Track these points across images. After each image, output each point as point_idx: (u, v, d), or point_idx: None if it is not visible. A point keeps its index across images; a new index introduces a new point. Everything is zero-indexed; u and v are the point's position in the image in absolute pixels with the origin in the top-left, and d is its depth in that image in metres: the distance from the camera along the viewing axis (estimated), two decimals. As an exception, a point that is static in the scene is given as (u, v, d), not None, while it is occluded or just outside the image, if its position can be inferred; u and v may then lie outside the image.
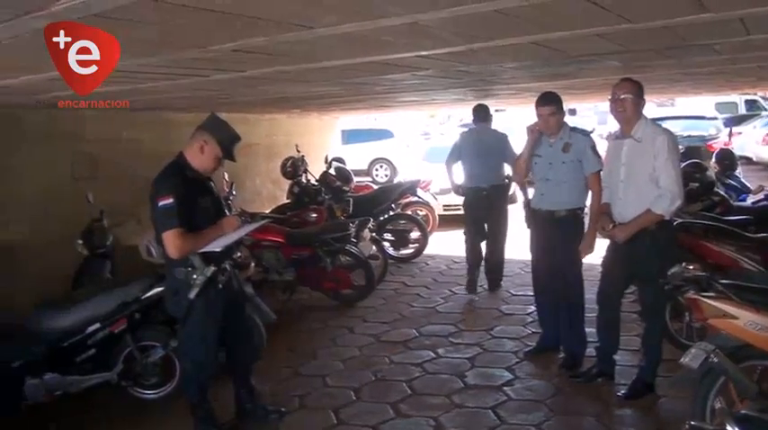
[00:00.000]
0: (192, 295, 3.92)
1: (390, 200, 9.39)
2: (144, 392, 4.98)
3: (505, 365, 5.32)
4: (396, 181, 13.88)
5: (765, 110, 21.38)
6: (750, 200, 7.32)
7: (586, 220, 5.10)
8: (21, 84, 3.97)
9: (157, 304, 4.75)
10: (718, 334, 3.40)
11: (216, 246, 3.98)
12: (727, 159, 8.30)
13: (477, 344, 5.84)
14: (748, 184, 8.05)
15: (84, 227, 6.34)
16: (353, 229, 7.16)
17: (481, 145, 7.45)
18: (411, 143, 19.56)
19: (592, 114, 25.08)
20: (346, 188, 9.50)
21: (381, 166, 18.77)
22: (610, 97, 4.43)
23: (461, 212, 10.53)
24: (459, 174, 7.73)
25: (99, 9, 2.04)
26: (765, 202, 6.91)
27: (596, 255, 5.03)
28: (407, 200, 10.05)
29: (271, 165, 10.35)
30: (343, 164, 10.40)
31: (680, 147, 4.83)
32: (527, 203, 5.43)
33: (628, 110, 4.33)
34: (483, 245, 7.67)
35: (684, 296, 3.88)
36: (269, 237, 7.02)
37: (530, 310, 6.48)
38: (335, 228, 7.36)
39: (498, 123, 8.17)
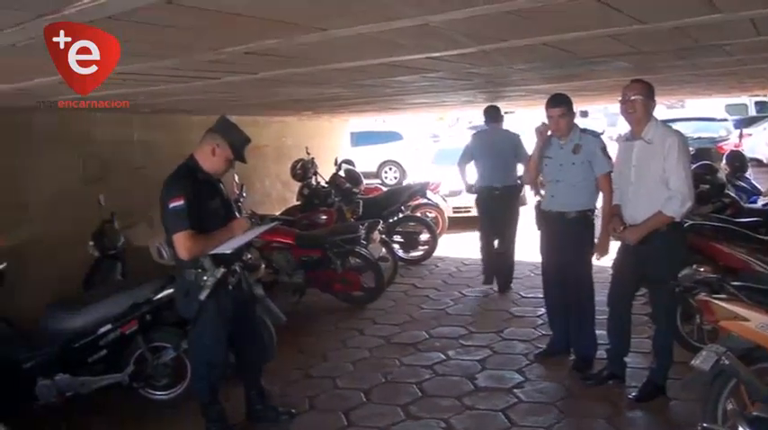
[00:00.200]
0: (202, 296, 3.95)
1: (400, 202, 9.38)
2: (155, 393, 5.00)
3: (516, 367, 5.32)
4: (405, 183, 13.87)
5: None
6: (761, 202, 7.28)
7: (597, 222, 5.09)
8: (35, 86, 3.98)
9: (168, 305, 4.77)
10: (730, 336, 3.39)
11: (226, 248, 3.99)
12: (738, 161, 8.26)
13: (488, 346, 5.83)
14: (759, 186, 8.02)
15: (96, 228, 6.36)
16: (363, 231, 7.18)
17: (493, 145, 7.56)
18: (420, 145, 19.56)
19: (602, 116, 25.06)
20: (356, 190, 9.50)
21: (390, 169, 18.79)
22: (620, 98, 4.42)
23: (471, 214, 10.69)
24: (472, 174, 7.83)
25: (113, 11, 2.05)
26: (776, 204, 6.89)
27: (607, 256, 5.02)
28: (417, 202, 10.04)
29: (281, 167, 10.37)
30: (353, 166, 10.42)
31: (690, 148, 4.81)
32: (537, 205, 5.42)
33: (638, 111, 4.32)
34: (496, 243, 7.76)
35: (695, 298, 3.87)
36: (279, 239, 7.04)
37: (540, 313, 6.46)
38: (345, 229, 7.37)
39: (507, 125, 8.16)
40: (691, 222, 5.33)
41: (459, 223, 11.11)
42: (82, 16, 2.09)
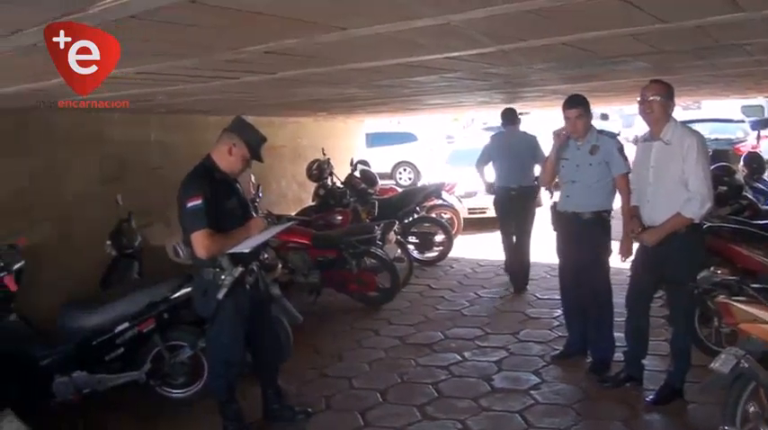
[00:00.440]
0: (220, 295, 3.96)
1: (415, 202, 9.37)
2: (171, 391, 5.03)
3: (532, 369, 5.30)
4: (420, 184, 13.86)
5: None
6: (779, 204, 7.22)
7: (614, 223, 5.06)
8: (54, 86, 4.00)
9: (186, 304, 4.79)
10: (749, 339, 3.36)
11: (244, 248, 4.01)
12: (756, 163, 8.20)
13: (504, 347, 5.82)
14: (776, 188, 7.94)
15: (113, 228, 6.41)
16: (379, 232, 7.18)
17: (510, 147, 7.67)
18: (434, 146, 19.53)
19: (617, 117, 24.89)
20: (371, 191, 9.52)
21: (405, 170, 18.78)
22: (639, 99, 4.40)
23: (486, 215, 10.69)
24: (490, 174, 7.94)
25: (136, 10, 2.06)
26: (794, 207, 6.82)
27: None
28: (432, 203, 10.03)
29: (296, 167, 10.40)
30: (368, 167, 10.43)
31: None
32: (553, 206, 5.41)
33: (656, 112, 4.29)
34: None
35: (715, 300, 3.84)
36: (295, 239, 7.06)
37: (556, 314, 6.44)
38: (361, 230, 7.38)
39: (523, 126, 8.22)
40: (708, 224, 5.29)
41: (474, 224, 11.10)
42: (106, 15, 2.09)
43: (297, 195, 11.01)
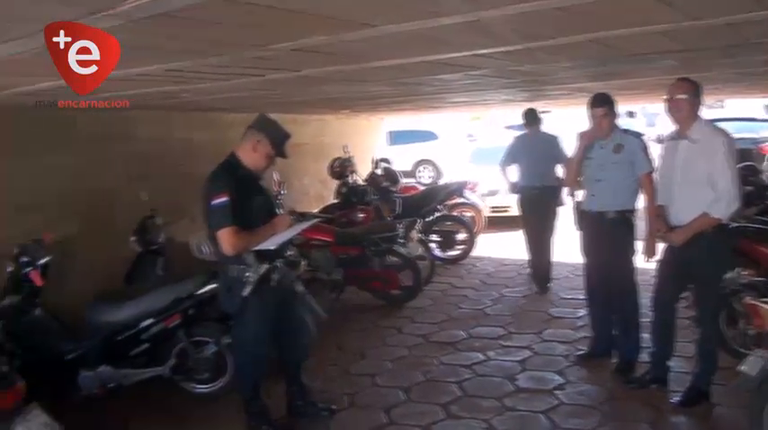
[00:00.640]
0: (245, 292, 3.97)
1: (437, 201, 9.35)
2: (196, 387, 5.06)
3: (557, 369, 5.26)
4: (442, 182, 13.81)
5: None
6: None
7: (638, 223, 5.01)
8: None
9: (211, 301, 4.82)
10: (777, 341, 3.32)
11: (270, 245, 4.01)
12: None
13: (528, 347, 5.78)
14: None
15: (138, 224, 6.46)
16: (401, 230, 7.17)
17: (533, 147, 7.70)
18: (455, 145, 19.46)
19: (640, 116, 24.66)
20: (394, 188, 9.50)
21: (426, 168, 18.71)
22: (666, 97, 4.35)
23: (509, 214, 10.65)
24: (514, 174, 7.97)
25: (168, 8, 2.07)
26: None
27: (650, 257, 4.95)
28: (454, 201, 9.99)
29: (319, 165, 10.40)
30: (390, 164, 10.42)
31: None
32: (577, 205, 5.37)
33: (684, 110, 4.24)
34: None
35: (742, 302, 3.79)
36: (318, 236, 7.05)
37: (580, 314, 6.39)
38: (384, 228, 7.38)
39: (543, 126, 8.22)
40: (735, 224, 5.23)
41: (496, 223, 11.05)
42: (137, 12, 2.11)
43: (319, 193, 11.02)
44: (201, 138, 8.13)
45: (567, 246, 7.47)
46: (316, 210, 9.21)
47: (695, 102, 4.26)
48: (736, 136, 13.81)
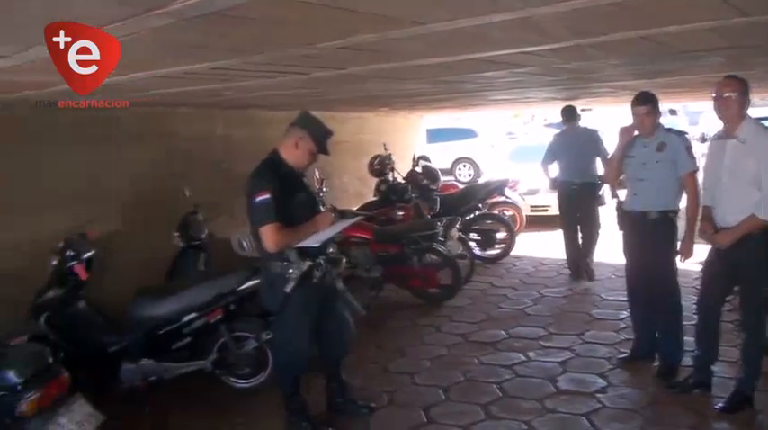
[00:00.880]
0: (288, 289, 3.98)
1: (477, 199, 9.30)
2: (236, 381, 5.11)
3: (598, 371, 5.18)
4: (482, 180, 13.74)
5: None
6: None
7: (680, 224, 4.92)
8: (127, 81, 4.09)
9: (252, 296, 4.86)
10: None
11: (312, 242, 4.02)
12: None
13: (569, 348, 5.71)
14: None
15: (180, 220, 6.54)
16: (441, 228, 7.15)
17: (573, 143, 7.82)
18: (495, 143, 19.33)
19: (682, 114, 24.20)
20: (434, 187, 9.47)
21: (464, 166, 18.63)
22: (713, 95, 4.25)
23: (549, 214, 10.57)
24: (555, 171, 8.12)
25: (219, 6, 2.08)
26: None
27: (692, 260, 4.88)
28: (494, 199, 9.92)
29: (358, 162, 10.42)
30: (430, 162, 10.38)
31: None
32: (619, 205, 5.29)
33: (732, 109, 4.14)
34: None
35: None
36: (357, 234, 7.05)
37: (622, 316, 6.30)
38: (424, 226, 7.35)
39: (585, 123, 8.23)
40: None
41: (537, 222, 10.95)
42: (188, 11, 2.12)
43: (358, 190, 11.03)
44: (241, 136, 8.20)
45: (610, 246, 7.36)
46: (355, 208, 9.21)
47: (743, 100, 4.16)
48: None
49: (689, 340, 4.91)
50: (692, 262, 4.81)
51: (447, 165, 17.83)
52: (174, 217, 6.56)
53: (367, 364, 5.51)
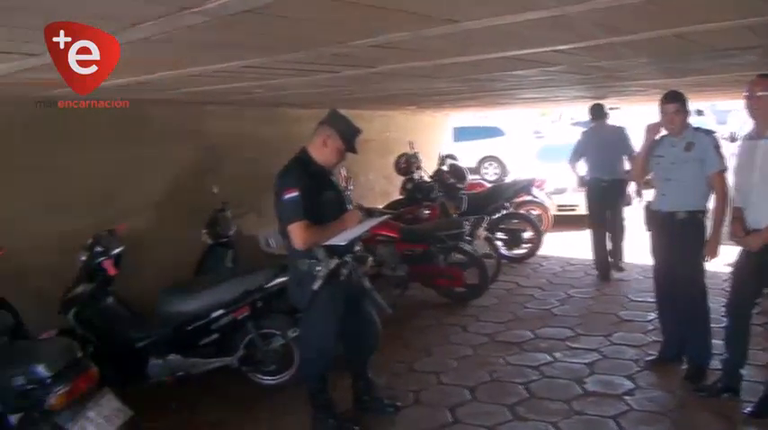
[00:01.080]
0: (315, 286, 3.99)
1: (504, 198, 9.25)
2: (263, 378, 5.14)
3: (626, 374, 5.13)
4: (509, 179, 13.67)
5: None
6: None
7: (708, 224, 4.85)
8: (158, 79, 4.12)
9: (279, 294, 4.88)
10: None
11: (340, 240, 4.02)
12: None
13: (596, 349, 5.65)
14: None
15: (209, 217, 6.58)
16: (468, 227, 7.12)
17: (601, 141, 7.84)
18: (522, 141, 19.21)
19: (709, 113, 23.86)
20: (460, 185, 9.43)
21: (491, 164, 18.53)
22: (745, 94, 4.18)
23: (576, 213, 10.48)
24: (583, 169, 8.13)
25: (253, 5, 2.09)
26: None
27: (719, 261, 4.85)
28: (521, 199, 9.86)
29: (384, 160, 10.43)
30: (456, 161, 10.35)
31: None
32: (647, 205, 5.24)
33: (764, 108, 4.08)
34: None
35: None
36: (383, 232, 7.04)
37: (650, 318, 6.23)
38: (450, 225, 7.33)
39: (613, 121, 8.25)
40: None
41: (563, 222, 10.87)
42: (221, 10, 2.13)
43: (384, 189, 11.04)
44: (268, 134, 8.25)
45: (637, 247, 7.29)
46: (381, 206, 9.22)
47: None
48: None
49: (718, 343, 4.83)
50: (721, 263, 4.72)
51: (473, 164, 17.76)
52: (202, 214, 6.60)
53: (393, 363, 5.50)
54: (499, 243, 8.78)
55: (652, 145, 4.97)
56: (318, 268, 4.00)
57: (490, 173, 18.18)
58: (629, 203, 8.27)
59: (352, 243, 4.24)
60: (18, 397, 3.41)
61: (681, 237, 4.84)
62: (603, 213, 7.96)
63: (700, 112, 20.02)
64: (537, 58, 3.85)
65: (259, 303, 4.95)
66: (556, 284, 7.96)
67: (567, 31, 2.90)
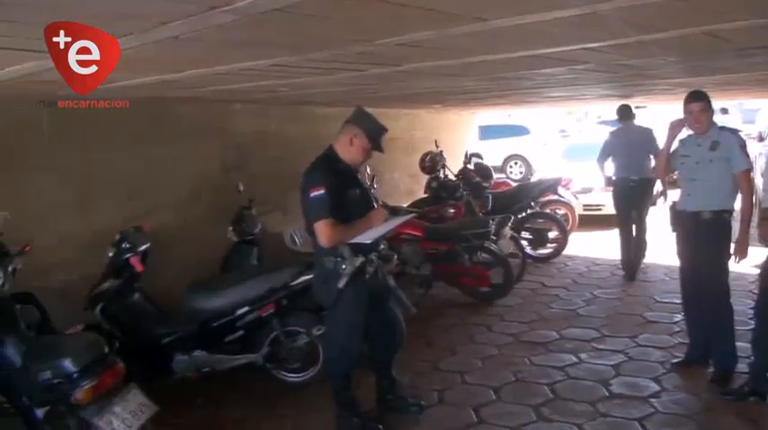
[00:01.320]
0: (340, 284, 4.00)
1: (530, 197, 9.21)
2: (287, 376, 5.15)
3: (652, 376, 5.07)
4: (535, 178, 13.59)
5: None
6: None
7: (735, 225, 4.78)
8: (185, 77, 4.14)
9: (304, 292, 4.88)
10: None
11: (366, 238, 4.03)
12: None
13: (622, 351, 5.60)
14: None
15: (234, 214, 6.62)
16: (494, 226, 7.10)
17: (629, 141, 7.87)
18: (548, 140, 19.09)
19: (736, 112, 23.54)
20: (486, 184, 9.39)
21: (516, 163, 18.46)
22: None
23: (602, 213, 10.41)
24: (610, 168, 8.15)
25: (282, 4, 2.09)
26: None
27: (747, 263, 4.79)
28: (547, 198, 9.80)
29: (409, 159, 10.41)
30: (482, 160, 10.31)
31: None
32: (672, 205, 5.19)
33: None
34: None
35: None
36: (408, 231, 7.02)
37: (676, 319, 6.16)
38: (476, 224, 7.30)
39: (640, 121, 8.21)
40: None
41: (589, 221, 10.78)
42: (250, 8, 2.13)
43: (408, 187, 11.03)
44: (294, 132, 8.28)
45: (663, 247, 7.21)
46: (405, 205, 9.20)
47: None
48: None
49: (745, 346, 4.78)
50: (748, 265, 4.65)
51: (498, 163, 17.68)
52: (227, 211, 6.64)
53: (417, 362, 5.49)
54: (524, 242, 8.73)
55: (674, 141, 4.93)
56: (344, 266, 4.01)
57: (515, 172, 18.11)
58: (654, 203, 8.21)
59: (377, 241, 4.24)
60: (44, 391, 3.46)
61: (706, 238, 4.79)
62: (631, 213, 7.96)
63: (724, 111, 19.80)
64: (566, 56, 3.81)
65: (284, 301, 4.96)
66: (581, 284, 7.91)
67: (596, 29, 2.87)
